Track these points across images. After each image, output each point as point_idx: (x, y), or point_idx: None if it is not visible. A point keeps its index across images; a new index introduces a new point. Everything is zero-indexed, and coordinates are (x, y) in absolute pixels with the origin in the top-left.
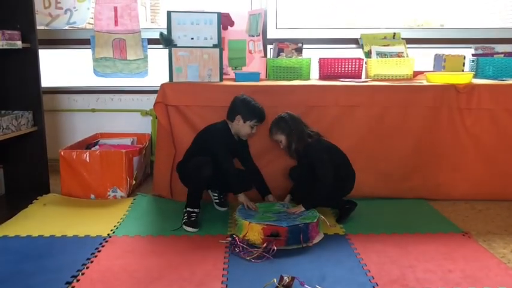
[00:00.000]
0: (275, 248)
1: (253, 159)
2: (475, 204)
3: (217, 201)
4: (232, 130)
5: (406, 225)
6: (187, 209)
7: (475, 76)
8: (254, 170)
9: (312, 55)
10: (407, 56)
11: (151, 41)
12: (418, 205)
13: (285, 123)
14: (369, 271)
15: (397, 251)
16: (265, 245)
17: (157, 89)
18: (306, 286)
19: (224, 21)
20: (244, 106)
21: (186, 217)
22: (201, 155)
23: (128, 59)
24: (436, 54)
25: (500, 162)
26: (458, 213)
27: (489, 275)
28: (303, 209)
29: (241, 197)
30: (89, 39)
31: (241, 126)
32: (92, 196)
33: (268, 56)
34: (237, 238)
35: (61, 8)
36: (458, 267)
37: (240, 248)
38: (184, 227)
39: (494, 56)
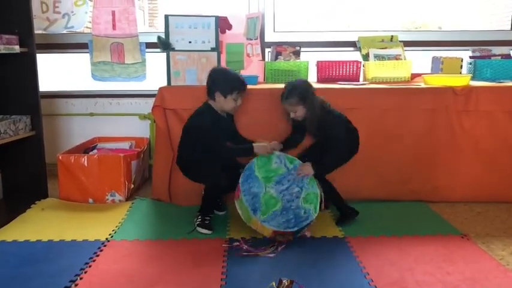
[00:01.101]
0: (284, 243)
1: None
2: (474, 206)
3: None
4: (217, 109)
5: (405, 228)
6: (200, 212)
7: (473, 78)
8: (244, 140)
9: (310, 58)
10: (405, 59)
11: (150, 45)
12: (417, 207)
13: (307, 93)
14: (368, 274)
15: (396, 254)
16: (271, 247)
17: (156, 92)
18: None
19: (222, 24)
20: (219, 80)
21: (200, 219)
22: (196, 145)
23: (126, 63)
24: (433, 57)
25: (498, 164)
26: (457, 216)
27: (488, 277)
28: (311, 171)
29: (258, 147)
30: (87, 43)
31: (223, 102)
32: (90, 200)
33: (266, 59)
34: (241, 243)
35: (59, 13)
36: (457, 270)
37: (245, 249)
38: (198, 228)
39: (492, 58)
